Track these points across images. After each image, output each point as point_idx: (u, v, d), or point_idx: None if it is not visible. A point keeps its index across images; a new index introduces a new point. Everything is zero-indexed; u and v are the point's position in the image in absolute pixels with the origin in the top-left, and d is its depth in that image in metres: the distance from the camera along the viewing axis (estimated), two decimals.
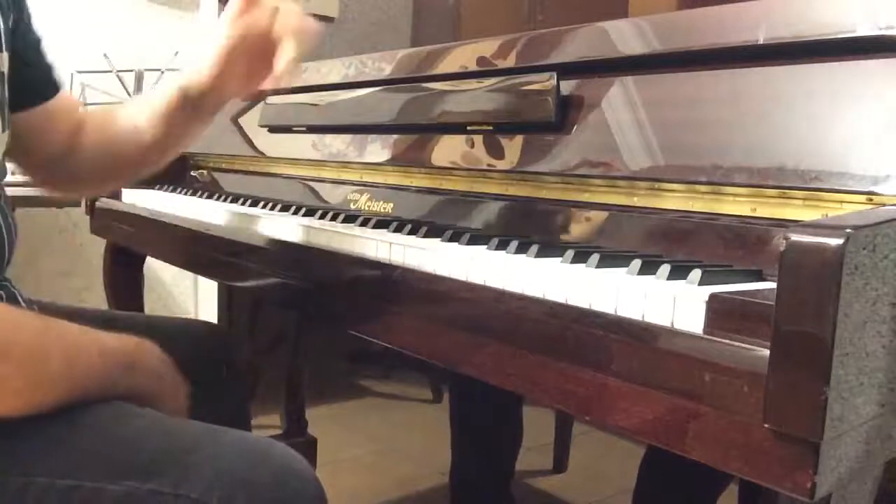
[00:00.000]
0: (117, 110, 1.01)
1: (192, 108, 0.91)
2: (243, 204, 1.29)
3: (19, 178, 1.13)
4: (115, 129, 0.97)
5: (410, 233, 0.89)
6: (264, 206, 1.23)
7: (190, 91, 0.90)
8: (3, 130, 0.79)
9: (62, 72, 0.99)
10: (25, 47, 0.89)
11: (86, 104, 2.14)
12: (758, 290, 0.56)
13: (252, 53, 0.88)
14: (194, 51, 0.89)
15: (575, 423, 2.09)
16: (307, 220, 1.05)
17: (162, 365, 0.80)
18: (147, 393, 0.77)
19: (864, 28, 0.66)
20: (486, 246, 0.79)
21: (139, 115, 0.95)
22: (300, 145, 1.33)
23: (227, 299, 2.45)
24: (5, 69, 0.80)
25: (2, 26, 0.79)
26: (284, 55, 0.84)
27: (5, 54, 0.80)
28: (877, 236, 0.48)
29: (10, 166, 0.96)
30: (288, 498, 0.67)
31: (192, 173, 1.60)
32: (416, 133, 1.10)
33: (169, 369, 0.81)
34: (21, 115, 0.90)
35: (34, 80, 0.92)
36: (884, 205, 0.61)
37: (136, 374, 0.76)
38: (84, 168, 0.99)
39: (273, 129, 1.41)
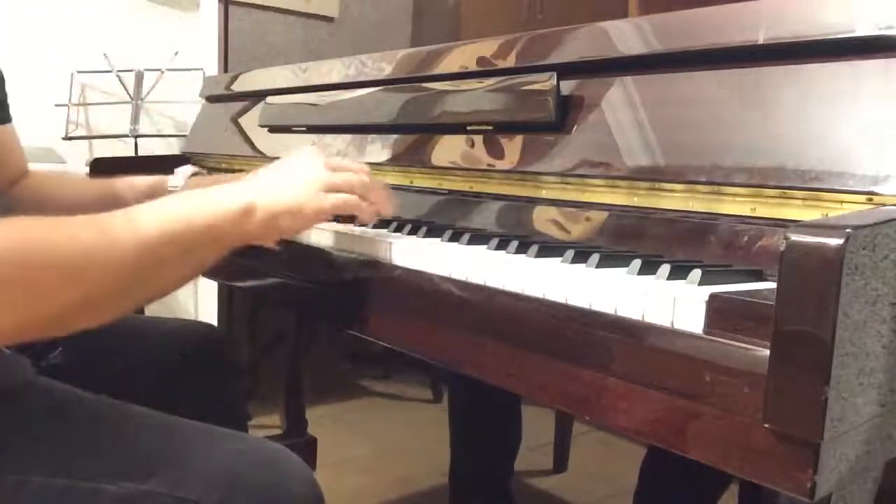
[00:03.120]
0: (68, 179, 0.97)
1: None
2: None
3: None
4: (53, 198, 0.94)
5: (410, 233, 0.89)
6: None
7: None
8: None
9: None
10: None
11: (86, 104, 2.15)
12: (758, 290, 0.56)
13: None
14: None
15: (575, 423, 2.09)
16: None
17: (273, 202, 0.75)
18: (266, 233, 0.75)
19: (864, 28, 0.66)
20: (485, 246, 0.79)
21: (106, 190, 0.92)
22: (300, 145, 1.32)
23: (227, 299, 2.45)
24: None
25: None
26: None
27: None
28: (877, 236, 0.48)
29: None
30: (285, 499, 0.67)
31: None
32: (416, 133, 1.10)
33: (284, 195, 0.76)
34: None
35: None
36: (884, 205, 0.61)
37: (251, 223, 0.73)
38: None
39: (273, 129, 1.41)
